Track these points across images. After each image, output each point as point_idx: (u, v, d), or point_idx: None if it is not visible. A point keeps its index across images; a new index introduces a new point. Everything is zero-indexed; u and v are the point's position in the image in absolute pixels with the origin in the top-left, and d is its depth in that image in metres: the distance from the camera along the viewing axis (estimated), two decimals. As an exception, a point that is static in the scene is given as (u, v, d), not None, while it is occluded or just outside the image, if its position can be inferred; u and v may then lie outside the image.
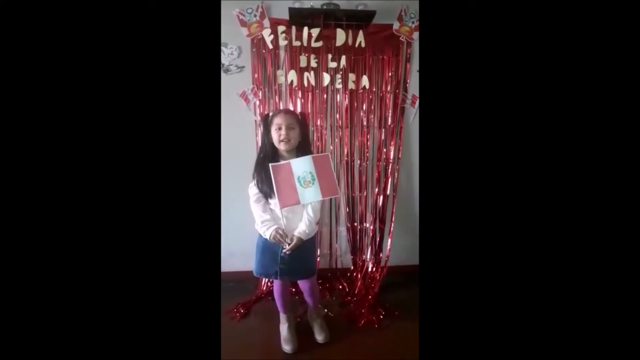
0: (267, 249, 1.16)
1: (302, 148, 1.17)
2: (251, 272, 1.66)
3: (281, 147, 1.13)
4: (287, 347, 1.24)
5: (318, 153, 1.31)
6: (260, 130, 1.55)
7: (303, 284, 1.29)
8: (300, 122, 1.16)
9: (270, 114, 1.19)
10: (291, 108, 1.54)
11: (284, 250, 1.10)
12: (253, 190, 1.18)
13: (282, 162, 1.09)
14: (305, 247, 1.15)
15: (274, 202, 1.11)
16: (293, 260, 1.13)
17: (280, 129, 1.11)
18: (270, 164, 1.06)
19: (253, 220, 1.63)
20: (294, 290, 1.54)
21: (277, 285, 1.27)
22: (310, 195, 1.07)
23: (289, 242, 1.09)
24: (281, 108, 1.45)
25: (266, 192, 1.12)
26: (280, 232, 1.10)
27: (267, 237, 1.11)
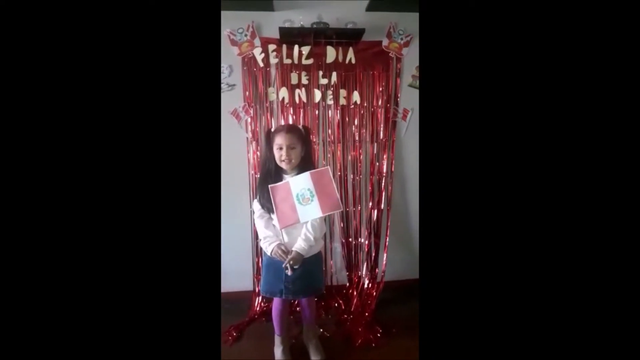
0: (272, 266, 1.14)
1: (305, 163, 1.15)
2: (244, 292, 1.64)
3: (282, 165, 1.12)
4: (282, 371, 1.19)
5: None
6: (251, 147, 1.56)
7: (301, 303, 1.26)
8: (303, 139, 1.14)
9: (272, 130, 1.18)
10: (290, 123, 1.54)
11: (284, 265, 1.07)
12: (257, 206, 1.17)
13: (281, 182, 1.08)
14: (311, 263, 1.14)
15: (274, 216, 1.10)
16: (298, 278, 1.11)
17: (281, 148, 1.10)
18: (269, 186, 1.05)
19: (246, 239, 1.63)
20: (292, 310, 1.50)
21: (277, 304, 1.23)
22: (310, 213, 1.04)
23: (289, 257, 1.07)
24: (283, 124, 1.42)
25: (269, 208, 1.11)
26: (282, 247, 1.08)
27: (269, 253, 1.10)
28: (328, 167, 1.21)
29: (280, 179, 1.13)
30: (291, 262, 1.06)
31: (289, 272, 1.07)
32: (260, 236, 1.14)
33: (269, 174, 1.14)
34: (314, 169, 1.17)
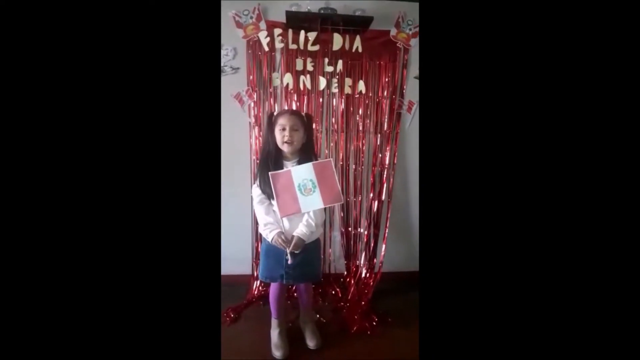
0: (272, 252, 1.15)
1: (306, 150, 1.15)
2: (243, 275, 1.65)
3: (284, 148, 1.12)
4: (277, 353, 1.21)
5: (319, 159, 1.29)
6: (254, 132, 1.55)
7: (298, 288, 1.27)
8: (305, 124, 1.14)
9: (275, 113, 1.17)
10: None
11: (287, 251, 1.09)
12: (256, 191, 1.16)
13: (282, 170, 1.08)
14: (310, 250, 1.15)
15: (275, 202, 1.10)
16: (298, 264, 1.12)
17: (284, 129, 1.10)
18: (270, 173, 1.05)
19: (246, 224, 1.63)
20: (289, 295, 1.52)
21: (275, 288, 1.24)
22: (312, 203, 1.06)
23: (292, 244, 1.08)
24: (286, 108, 1.41)
25: (269, 193, 1.10)
26: (283, 236, 1.09)
27: (270, 240, 1.11)
28: (331, 159, 1.22)
29: (280, 164, 1.13)
30: (293, 249, 1.08)
31: (290, 261, 1.09)
32: (261, 223, 1.14)
33: (269, 158, 1.13)
34: (315, 156, 1.17)
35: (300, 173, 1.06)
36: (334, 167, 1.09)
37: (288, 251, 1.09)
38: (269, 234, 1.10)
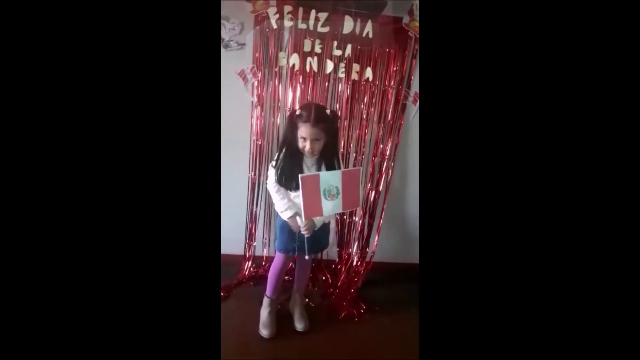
0: (286, 227, 1.21)
1: (327, 151, 1.14)
2: (235, 255, 1.66)
3: (304, 154, 1.12)
4: (264, 332, 1.23)
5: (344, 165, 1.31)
6: (255, 112, 1.51)
7: (300, 263, 1.30)
8: (328, 130, 1.10)
9: (297, 112, 1.11)
10: (315, 100, 1.50)
11: (301, 231, 1.15)
12: (273, 177, 1.17)
13: (311, 174, 1.07)
14: (322, 225, 1.20)
15: (294, 195, 1.16)
16: (310, 238, 1.16)
17: (305, 139, 1.08)
18: (300, 176, 1.04)
19: (241, 205, 1.62)
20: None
21: (279, 263, 1.26)
22: (332, 208, 1.10)
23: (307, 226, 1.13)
24: (309, 110, 1.15)
25: (288, 185, 1.14)
26: (297, 220, 1.14)
27: (286, 218, 1.15)
28: (360, 168, 1.26)
29: (299, 163, 1.13)
30: (305, 232, 1.13)
31: (307, 234, 1.15)
32: (278, 203, 1.17)
33: (292, 155, 1.13)
34: (337, 156, 1.17)
35: (328, 179, 1.07)
36: (360, 175, 1.13)
37: (303, 231, 1.14)
38: (286, 212, 1.15)
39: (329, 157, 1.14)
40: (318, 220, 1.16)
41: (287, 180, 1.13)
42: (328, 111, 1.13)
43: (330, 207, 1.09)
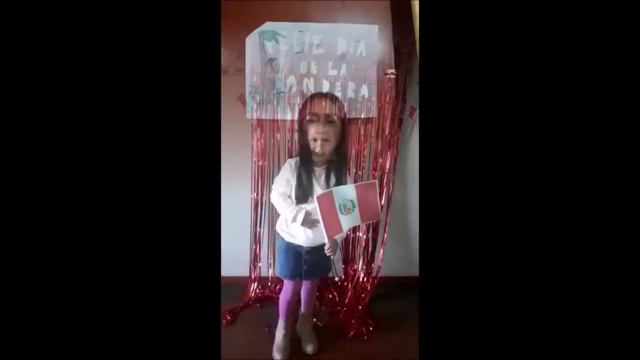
0: (290, 251, 1.18)
1: (336, 153, 1.17)
2: (240, 277, 1.64)
3: (314, 157, 1.14)
4: (278, 356, 1.21)
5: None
6: (256, 134, 1.54)
7: (306, 286, 1.28)
8: (335, 130, 1.14)
9: (307, 118, 1.18)
10: (324, 110, 1.53)
11: (305, 249, 1.15)
12: (279, 188, 1.17)
13: (324, 192, 1.08)
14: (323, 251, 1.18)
15: (305, 206, 1.13)
16: (315, 261, 1.16)
17: (315, 140, 1.12)
18: (316, 197, 1.04)
19: (245, 226, 1.62)
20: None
21: (289, 289, 1.24)
22: (350, 222, 1.09)
23: (328, 246, 1.11)
24: (319, 113, 1.24)
25: (300, 197, 1.13)
26: (310, 218, 1.10)
27: (298, 222, 1.10)
28: (375, 181, 1.23)
29: (310, 168, 1.15)
30: (330, 251, 1.11)
31: (333, 255, 1.14)
32: (286, 211, 1.13)
33: (309, 162, 1.16)
34: (345, 161, 1.19)
35: (342, 193, 1.08)
36: (377, 188, 1.11)
37: (329, 252, 1.11)
38: (297, 216, 1.10)
39: (337, 167, 1.15)
40: (340, 239, 1.15)
41: (302, 190, 1.13)
42: (335, 117, 1.19)
43: (348, 222, 1.08)
